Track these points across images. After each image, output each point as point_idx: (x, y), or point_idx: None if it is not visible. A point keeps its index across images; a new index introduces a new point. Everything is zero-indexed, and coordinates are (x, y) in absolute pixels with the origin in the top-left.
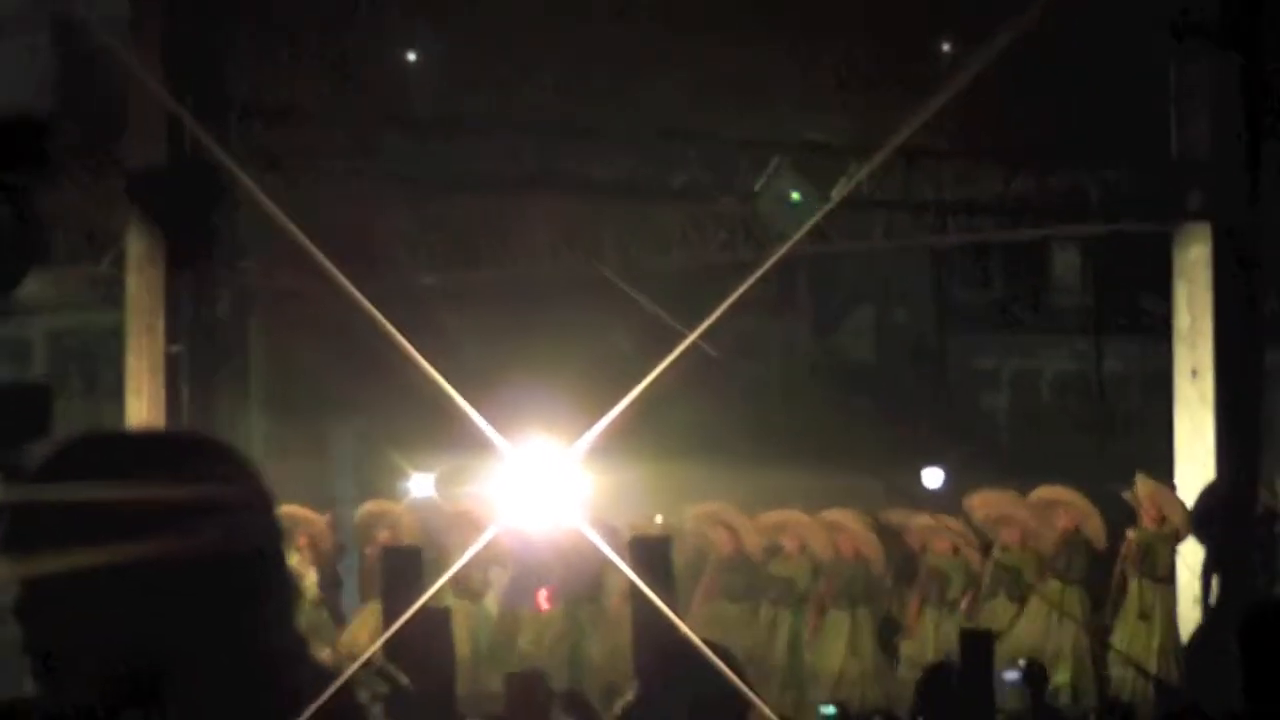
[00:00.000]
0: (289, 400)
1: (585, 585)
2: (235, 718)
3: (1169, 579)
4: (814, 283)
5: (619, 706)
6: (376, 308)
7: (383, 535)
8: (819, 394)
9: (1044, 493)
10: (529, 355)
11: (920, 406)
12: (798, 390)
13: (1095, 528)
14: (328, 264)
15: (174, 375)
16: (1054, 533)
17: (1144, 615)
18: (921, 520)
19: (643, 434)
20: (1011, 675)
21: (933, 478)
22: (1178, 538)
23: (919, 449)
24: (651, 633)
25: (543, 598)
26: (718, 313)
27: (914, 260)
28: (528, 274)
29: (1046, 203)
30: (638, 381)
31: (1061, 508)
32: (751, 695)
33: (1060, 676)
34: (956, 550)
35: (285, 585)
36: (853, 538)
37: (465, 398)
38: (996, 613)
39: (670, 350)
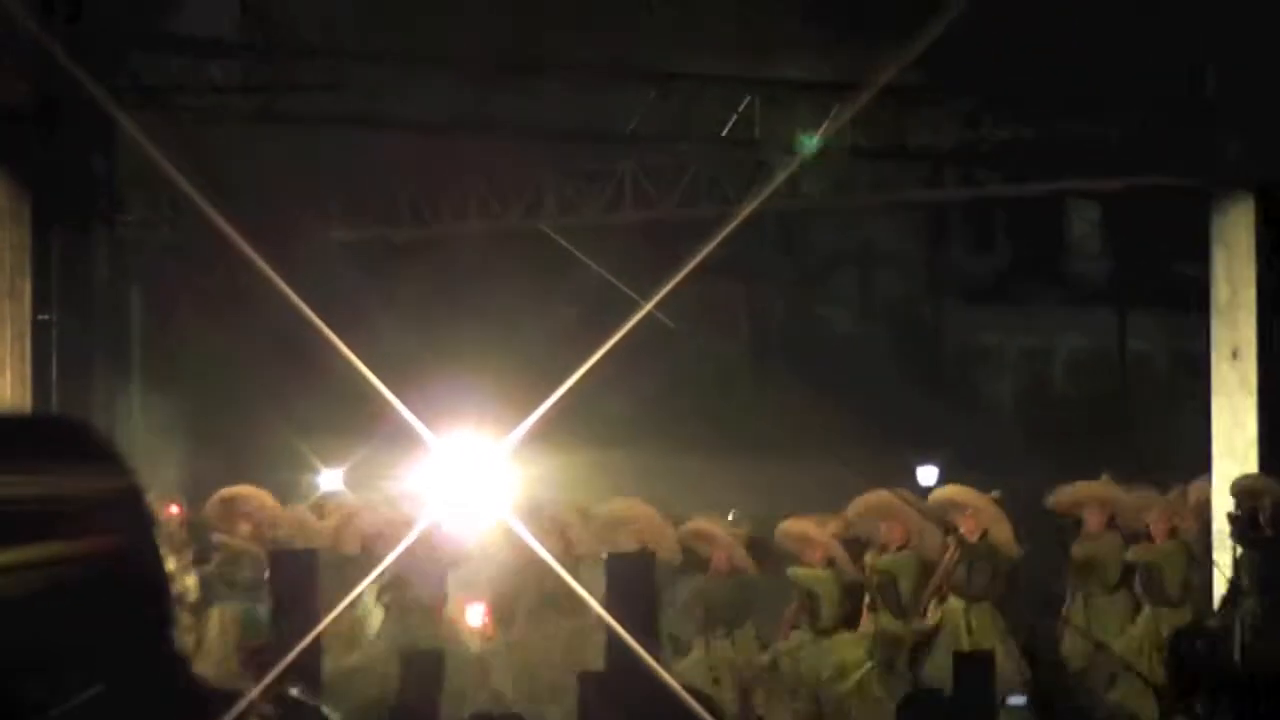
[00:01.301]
0: (176, 379)
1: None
2: None
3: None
4: (787, 244)
5: None
6: (283, 273)
7: (243, 527)
8: (791, 372)
9: (944, 493)
10: (457, 328)
11: (911, 389)
12: (767, 368)
13: (1003, 535)
14: (222, 220)
15: (42, 346)
16: (938, 539)
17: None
18: (794, 526)
19: (586, 418)
20: (1016, 700)
21: (927, 474)
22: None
23: (909, 439)
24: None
25: (479, 614)
26: (676, 278)
27: (905, 219)
28: (457, 232)
29: (1060, 153)
30: (584, 355)
31: (962, 512)
32: None
33: None
34: (832, 561)
35: (159, 589)
36: (723, 548)
37: (383, 381)
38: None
39: (621, 320)
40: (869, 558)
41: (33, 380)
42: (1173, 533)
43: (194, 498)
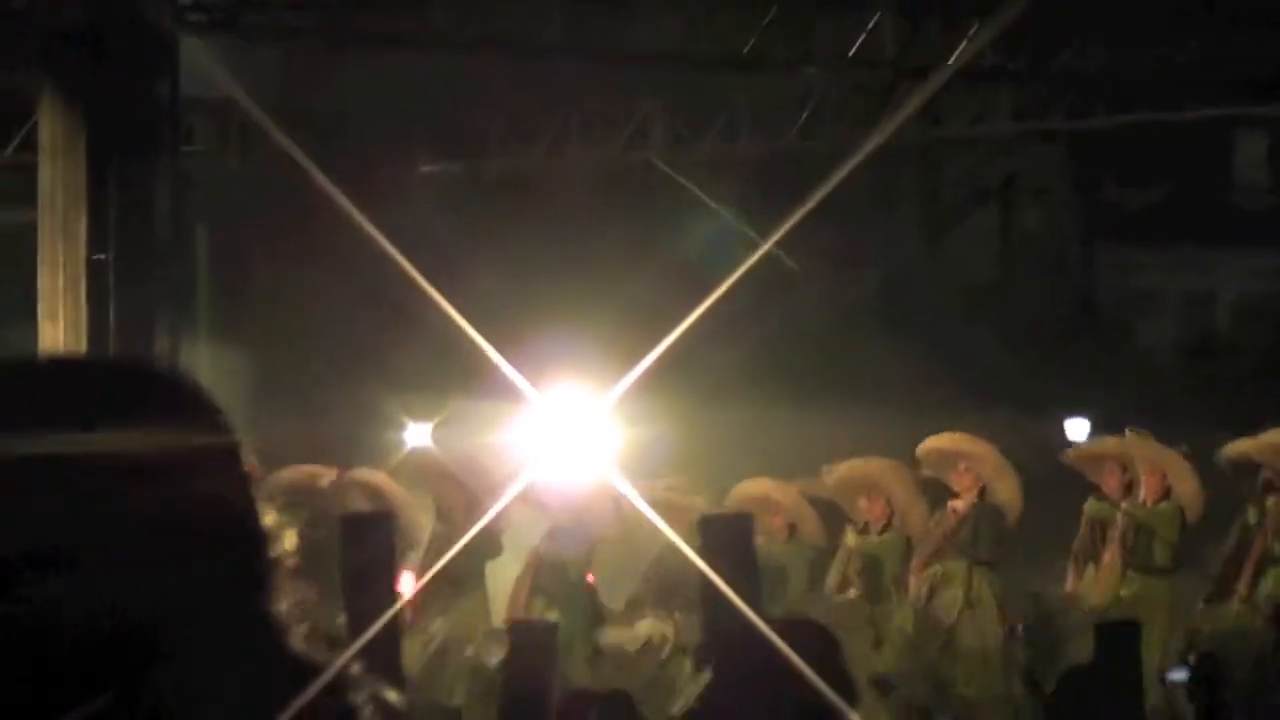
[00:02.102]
0: (246, 326)
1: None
2: (220, 703)
3: (1165, 569)
4: (922, 178)
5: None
6: (365, 210)
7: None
8: (924, 319)
9: (937, 442)
10: (554, 271)
11: (1059, 336)
12: (897, 314)
13: (1008, 491)
14: (296, 151)
15: (98, 291)
16: (922, 516)
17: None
18: (751, 487)
19: (698, 370)
20: (1177, 675)
21: (1076, 429)
22: (1180, 518)
23: (1056, 392)
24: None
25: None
26: (797, 216)
27: (1051, 151)
28: (552, 167)
29: (1224, 75)
30: (696, 301)
31: (962, 463)
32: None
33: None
34: (793, 530)
35: (261, 551)
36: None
37: (475, 329)
38: (852, 613)
39: (737, 263)
40: (849, 538)
41: (89, 327)
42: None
43: (265, 457)
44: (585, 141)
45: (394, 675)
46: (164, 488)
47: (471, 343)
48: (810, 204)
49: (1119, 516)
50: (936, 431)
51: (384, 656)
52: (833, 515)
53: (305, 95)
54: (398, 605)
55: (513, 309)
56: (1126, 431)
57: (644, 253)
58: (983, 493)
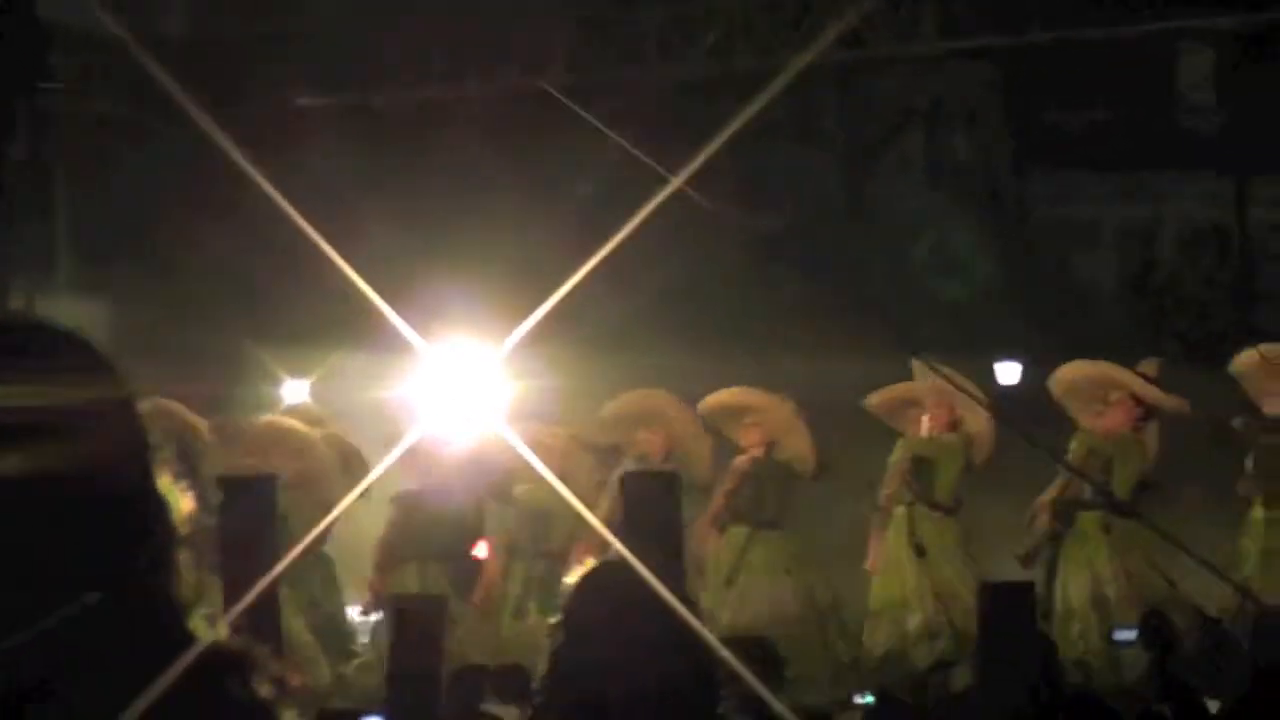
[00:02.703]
0: (111, 275)
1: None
2: (112, 687)
3: (945, 507)
4: (843, 103)
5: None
6: (241, 146)
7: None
8: (847, 255)
9: (719, 398)
10: (447, 210)
11: (990, 272)
12: (817, 250)
13: (797, 447)
14: (168, 82)
15: None
16: (707, 452)
17: (919, 551)
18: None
19: (601, 315)
20: (1124, 634)
21: (1008, 372)
22: (965, 453)
23: (988, 331)
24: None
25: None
26: (709, 149)
27: (980, 71)
28: (446, 96)
29: None
30: (600, 241)
31: (747, 417)
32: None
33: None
34: (567, 476)
35: (161, 517)
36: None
37: (361, 275)
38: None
39: (644, 199)
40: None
41: None
42: (953, 427)
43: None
44: (480, 70)
45: (276, 648)
46: (52, 448)
47: (355, 291)
48: (723, 135)
49: (896, 449)
50: (853, 380)
51: (265, 628)
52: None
53: (172, 20)
54: (275, 572)
55: (402, 253)
56: (912, 361)
57: (543, 191)
58: (770, 449)
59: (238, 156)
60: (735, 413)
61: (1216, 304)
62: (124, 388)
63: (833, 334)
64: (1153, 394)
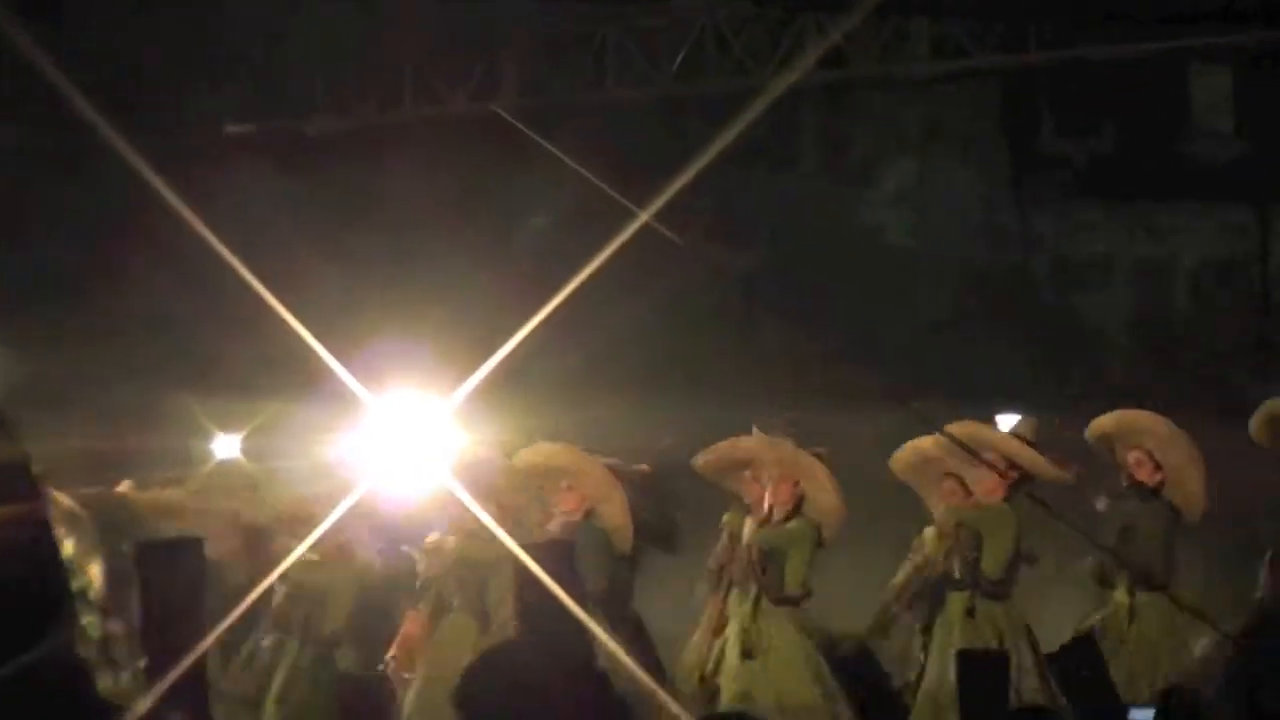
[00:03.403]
0: (21, 318)
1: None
2: None
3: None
4: (826, 129)
5: None
6: (164, 175)
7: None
8: (829, 296)
9: (536, 456)
10: (388, 247)
11: (988, 315)
12: (796, 291)
13: (614, 513)
14: (80, 102)
15: None
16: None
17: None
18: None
19: (561, 360)
20: (1141, 714)
21: (1010, 423)
22: (816, 534)
23: (988, 379)
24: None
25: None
26: (680, 179)
27: (978, 94)
28: (390, 122)
29: (1180, 3)
30: (559, 281)
31: (564, 480)
32: None
33: None
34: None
35: (56, 583)
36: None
37: (298, 319)
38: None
39: (607, 234)
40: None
41: None
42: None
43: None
44: (424, 94)
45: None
46: None
47: (293, 338)
48: (696, 165)
49: (735, 521)
50: (828, 428)
51: (191, 702)
52: None
53: (88, 35)
54: (205, 643)
55: (342, 296)
56: (754, 428)
57: (495, 224)
58: (589, 515)
59: (165, 190)
60: (553, 474)
61: (1238, 348)
62: (17, 444)
63: (814, 381)
64: (1028, 458)
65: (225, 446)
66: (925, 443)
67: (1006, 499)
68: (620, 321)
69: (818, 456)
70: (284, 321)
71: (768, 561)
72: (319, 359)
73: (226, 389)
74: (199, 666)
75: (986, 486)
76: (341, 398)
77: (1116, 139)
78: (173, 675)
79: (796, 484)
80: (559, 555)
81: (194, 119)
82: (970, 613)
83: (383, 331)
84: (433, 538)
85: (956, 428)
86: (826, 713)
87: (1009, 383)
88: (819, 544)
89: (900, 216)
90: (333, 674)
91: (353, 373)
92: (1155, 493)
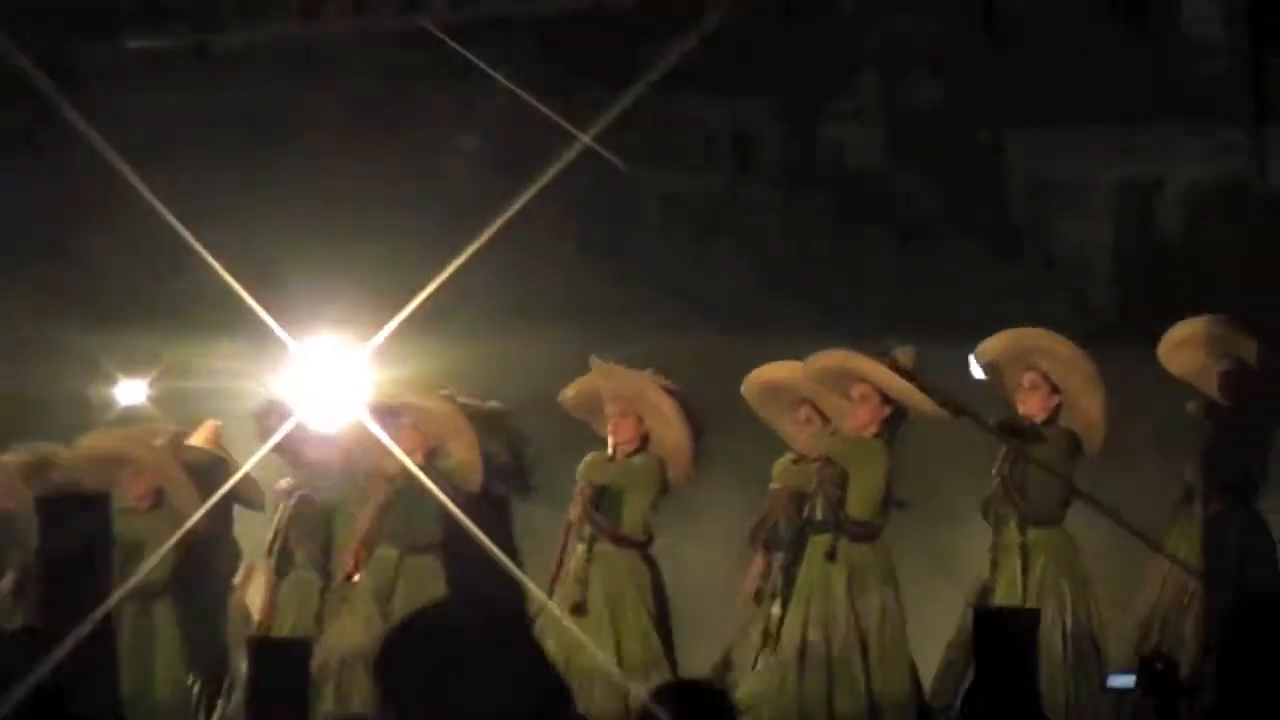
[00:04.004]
0: None
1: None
2: None
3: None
4: (782, 43)
5: None
6: (63, 94)
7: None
8: (785, 219)
9: (382, 396)
10: (305, 170)
11: (961, 241)
12: (752, 216)
13: (464, 454)
14: None
15: None
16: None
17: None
18: (100, 442)
19: (495, 296)
20: (1120, 681)
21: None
22: (659, 472)
23: (958, 310)
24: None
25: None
26: (625, 99)
27: (948, 2)
28: (299, 38)
29: None
30: (494, 209)
31: (406, 418)
32: None
33: None
34: (159, 497)
35: None
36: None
37: (207, 249)
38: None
39: (546, 159)
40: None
41: None
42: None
43: None
44: (345, 7)
45: (108, 693)
46: None
47: (205, 273)
48: (641, 83)
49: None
50: (776, 357)
51: (97, 671)
52: None
53: None
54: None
55: (256, 227)
56: (591, 360)
57: (422, 147)
58: (433, 454)
59: (65, 108)
60: (394, 412)
61: (1229, 277)
62: None
63: (773, 315)
64: (904, 389)
65: (130, 392)
66: (780, 370)
67: (879, 435)
68: (560, 251)
69: (667, 391)
70: (196, 255)
71: (603, 500)
72: (234, 296)
73: (132, 329)
74: (107, 631)
75: (858, 420)
76: (259, 338)
77: (1097, 52)
78: (74, 635)
79: (640, 420)
80: (493, 506)
81: (93, 32)
82: (831, 556)
83: (302, 266)
84: (283, 483)
85: (823, 356)
86: (642, 675)
87: (982, 314)
88: (664, 486)
89: (864, 135)
90: (153, 627)
91: (270, 311)
92: (1050, 420)
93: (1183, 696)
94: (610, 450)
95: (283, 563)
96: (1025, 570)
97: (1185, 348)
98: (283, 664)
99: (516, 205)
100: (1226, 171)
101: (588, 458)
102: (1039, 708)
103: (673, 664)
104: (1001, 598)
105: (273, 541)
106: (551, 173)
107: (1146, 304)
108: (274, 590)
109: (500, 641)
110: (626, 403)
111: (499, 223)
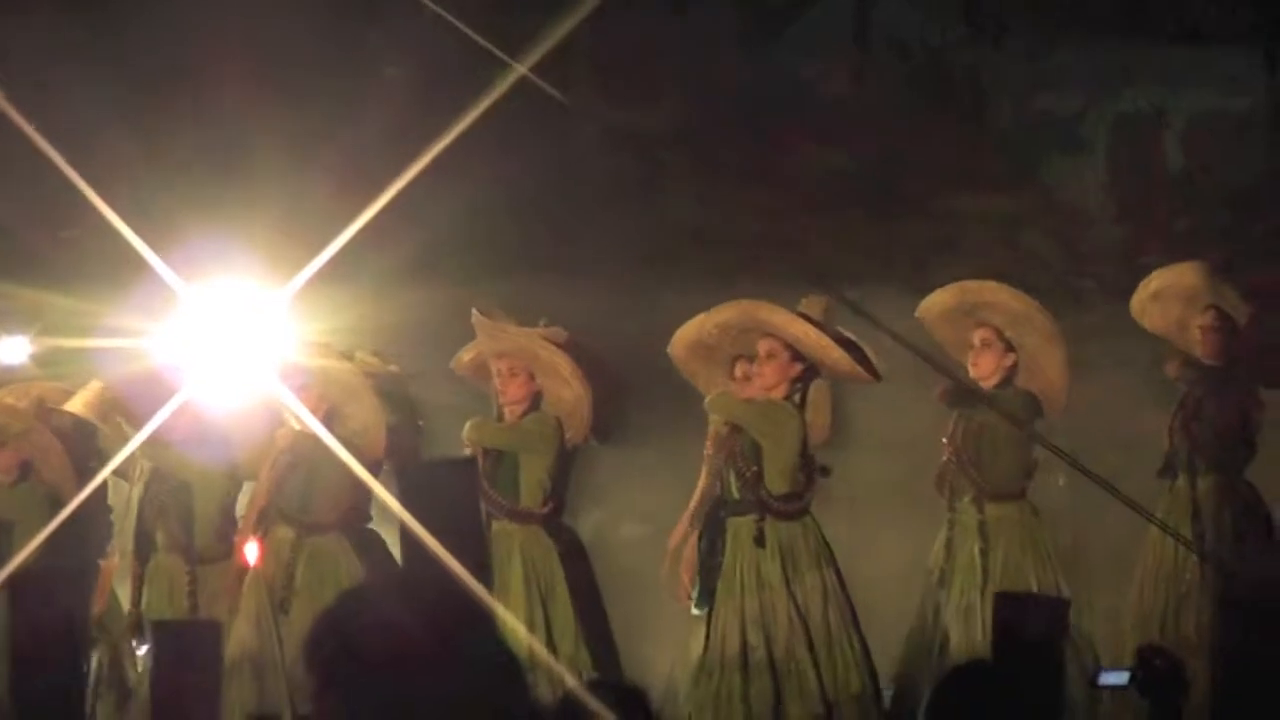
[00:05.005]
0: None
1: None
2: None
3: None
4: None
5: None
6: None
7: None
8: (742, 159)
9: (299, 362)
10: (215, 99)
11: (936, 179)
12: (705, 153)
13: (365, 418)
14: None
15: None
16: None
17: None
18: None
19: (418, 239)
20: (1112, 678)
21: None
22: (556, 433)
23: (931, 255)
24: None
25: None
26: (568, 21)
27: None
28: None
29: None
30: (416, 148)
31: (300, 380)
32: None
33: None
34: (28, 468)
35: None
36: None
37: (98, 190)
38: None
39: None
40: None
41: None
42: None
43: None
44: None
45: None
46: None
47: (94, 219)
48: (581, 5)
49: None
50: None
51: None
52: None
53: None
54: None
55: (148, 170)
56: (473, 313)
57: (344, 75)
58: (328, 420)
59: None
60: (284, 373)
61: (1239, 218)
62: None
63: (725, 263)
64: (815, 344)
65: (9, 349)
66: (704, 326)
67: (787, 397)
68: (492, 195)
69: (554, 343)
70: (84, 199)
71: (497, 472)
72: (127, 244)
73: (12, 280)
74: None
75: (765, 380)
76: (155, 290)
77: None
78: None
79: (531, 378)
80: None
81: None
82: (759, 540)
83: (203, 214)
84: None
85: (726, 307)
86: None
87: (965, 260)
88: (562, 448)
89: (831, 61)
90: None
91: (168, 261)
92: (1005, 382)
93: (1185, 696)
94: (496, 412)
95: (143, 546)
96: (985, 552)
97: (1160, 300)
98: (191, 650)
99: (449, 136)
100: (1235, 101)
101: (471, 422)
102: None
103: (605, 657)
104: (959, 586)
105: (130, 523)
106: (482, 106)
107: (1147, 248)
108: (138, 579)
109: (455, 624)
110: (513, 360)
111: (430, 154)
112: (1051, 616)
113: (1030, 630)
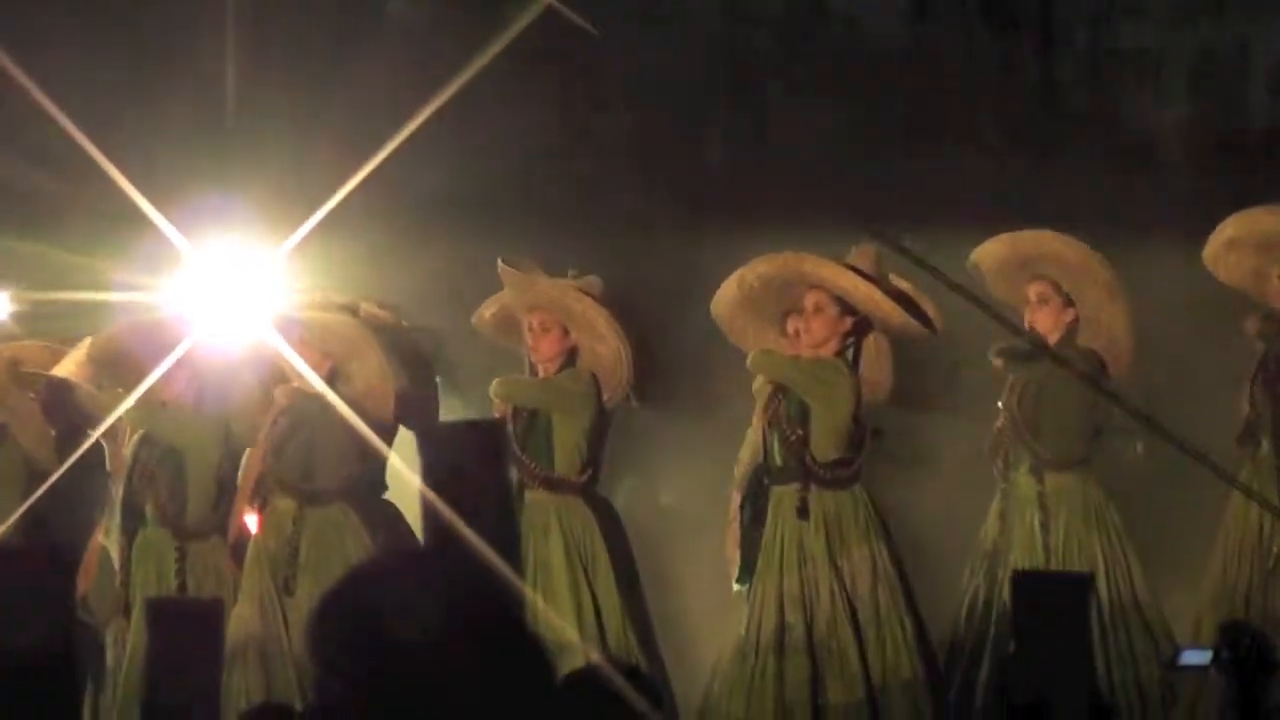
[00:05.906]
0: None
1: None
2: None
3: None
4: None
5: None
6: None
7: None
8: (790, 97)
9: (304, 316)
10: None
11: (998, 127)
12: (748, 90)
13: (371, 375)
14: None
15: None
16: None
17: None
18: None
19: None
20: (1194, 656)
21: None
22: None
23: (1003, 201)
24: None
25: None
26: None
27: None
28: None
29: None
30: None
31: (305, 334)
32: None
33: None
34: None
35: None
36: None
37: (95, 143)
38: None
39: (496, 23)
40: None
41: None
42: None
43: None
44: None
45: None
46: None
47: (91, 169)
48: None
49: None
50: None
51: None
52: None
53: None
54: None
55: (137, 115)
56: (499, 264)
57: (358, 20)
58: (332, 378)
59: None
60: (283, 327)
61: None
62: None
63: (769, 213)
64: (865, 296)
65: None
66: (745, 279)
67: (840, 353)
68: (507, 139)
69: (589, 294)
70: (78, 149)
71: (528, 436)
72: (124, 195)
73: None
74: None
75: (813, 335)
76: (153, 244)
77: None
78: None
79: (566, 334)
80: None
81: None
82: (802, 512)
83: (204, 162)
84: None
85: (766, 260)
86: (581, 650)
87: (1028, 212)
88: (600, 407)
89: (883, 4)
90: None
91: (168, 215)
92: (1066, 339)
93: (1273, 676)
94: (528, 370)
95: (130, 518)
96: (1045, 526)
97: (1236, 249)
98: (189, 631)
99: (464, 76)
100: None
101: (499, 378)
102: (1094, 691)
103: (647, 639)
104: (1015, 562)
105: (119, 493)
106: (504, 40)
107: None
108: (125, 554)
109: (479, 607)
110: (546, 314)
111: (441, 98)
112: (1074, 593)
113: (1052, 608)
